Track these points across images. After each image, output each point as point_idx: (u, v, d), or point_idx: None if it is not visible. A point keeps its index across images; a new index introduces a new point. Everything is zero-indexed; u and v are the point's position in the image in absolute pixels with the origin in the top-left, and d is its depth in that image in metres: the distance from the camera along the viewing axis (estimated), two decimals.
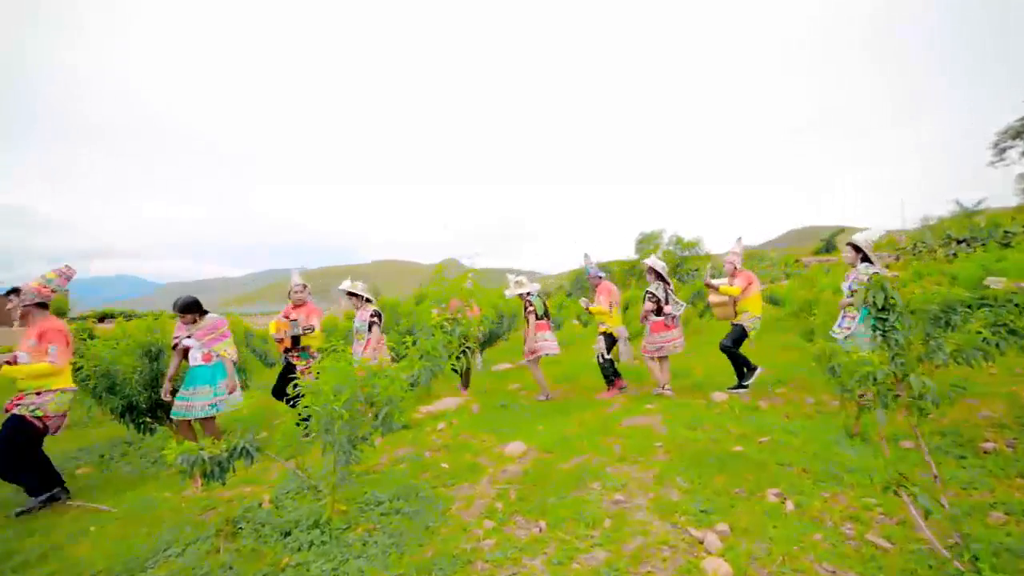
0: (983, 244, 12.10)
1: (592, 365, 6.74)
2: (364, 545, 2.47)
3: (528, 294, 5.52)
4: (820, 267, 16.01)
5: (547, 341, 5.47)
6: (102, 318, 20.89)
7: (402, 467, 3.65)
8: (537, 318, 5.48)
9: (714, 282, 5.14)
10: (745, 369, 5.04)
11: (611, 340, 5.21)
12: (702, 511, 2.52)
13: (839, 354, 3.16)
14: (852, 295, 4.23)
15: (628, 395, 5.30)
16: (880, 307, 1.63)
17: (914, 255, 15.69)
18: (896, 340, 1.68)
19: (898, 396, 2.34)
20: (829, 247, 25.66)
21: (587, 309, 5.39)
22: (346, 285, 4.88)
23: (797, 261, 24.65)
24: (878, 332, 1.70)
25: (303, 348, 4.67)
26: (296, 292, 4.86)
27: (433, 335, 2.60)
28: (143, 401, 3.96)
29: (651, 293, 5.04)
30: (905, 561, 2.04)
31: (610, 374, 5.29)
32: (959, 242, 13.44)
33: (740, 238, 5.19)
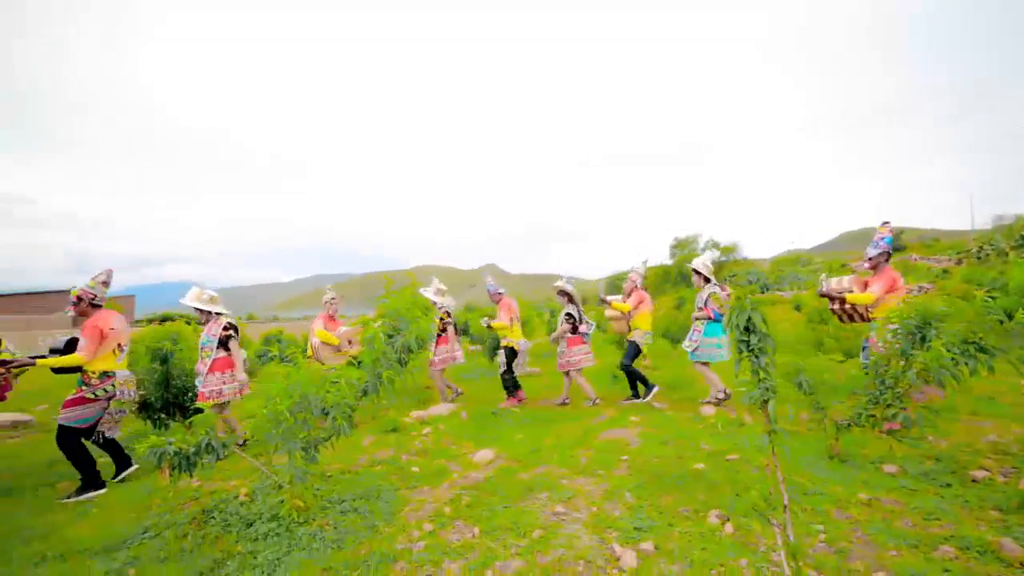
0: None
1: (592, 376, 6.69)
2: (312, 539, 2.64)
3: (446, 311, 5.84)
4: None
5: (456, 352, 5.90)
6: (163, 320, 22.91)
7: (378, 468, 3.82)
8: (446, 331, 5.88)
9: (608, 298, 5.51)
10: (642, 385, 5.36)
11: (512, 353, 5.61)
12: (636, 529, 2.50)
13: (807, 369, 3.03)
14: (700, 311, 4.94)
15: (619, 407, 5.25)
16: (743, 328, 1.59)
17: (979, 258, 14.26)
18: (759, 363, 1.63)
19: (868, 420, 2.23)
20: None
21: (488, 326, 5.76)
22: (189, 298, 4.43)
23: (844, 266, 22.78)
24: (744, 355, 1.65)
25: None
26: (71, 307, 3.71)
27: (374, 344, 2.75)
28: (156, 400, 4.39)
29: (568, 314, 5.38)
30: None
31: (511, 386, 5.63)
32: None
33: (646, 260, 5.76)
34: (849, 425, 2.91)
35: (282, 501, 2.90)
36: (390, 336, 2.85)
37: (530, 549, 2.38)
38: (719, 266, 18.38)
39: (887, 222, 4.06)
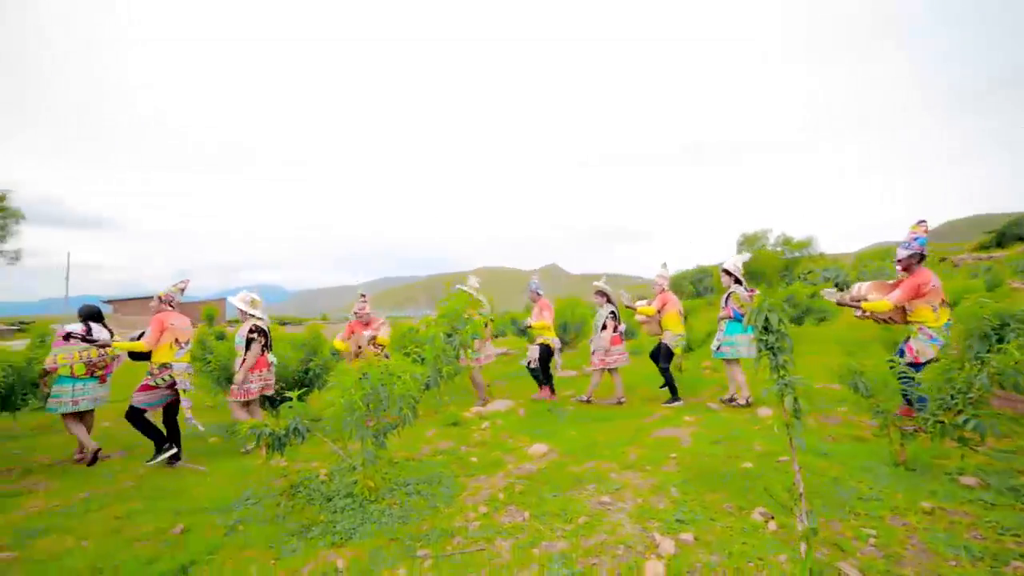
0: None
1: (646, 377, 6.68)
2: (381, 514, 3.00)
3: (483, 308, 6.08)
4: (977, 265, 13.02)
5: (488, 353, 6.26)
6: None
7: (440, 457, 4.16)
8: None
9: (636, 304, 5.72)
10: (672, 393, 5.53)
11: (547, 351, 5.94)
12: (678, 521, 2.59)
13: (869, 370, 2.92)
14: (723, 310, 5.15)
15: (675, 407, 5.23)
16: (763, 327, 1.64)
17: None
18: (777, 361, 1.67)
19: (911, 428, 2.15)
20: (1003, 239, 20.27)
21: (528, 326, 6.06)
22: (236, 299, 4.74)
23: (943, 260, 19.96)
24: (765, 352, 1.70)
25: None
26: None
27: (435, 342, 3.05)
28: None
29: (613, 313, 5.73)
30: None
31: (541, 379, 6.04)
32: None
33: (665, 263, 5.82)
34: (915, 431, 2.77)
35: (356, 481, 3.29)
36: (449, 335, 3.14)
37: (575, 533, 2.55)
38: (788, 263, 17.20)
39: (923, 221, 3.86)
